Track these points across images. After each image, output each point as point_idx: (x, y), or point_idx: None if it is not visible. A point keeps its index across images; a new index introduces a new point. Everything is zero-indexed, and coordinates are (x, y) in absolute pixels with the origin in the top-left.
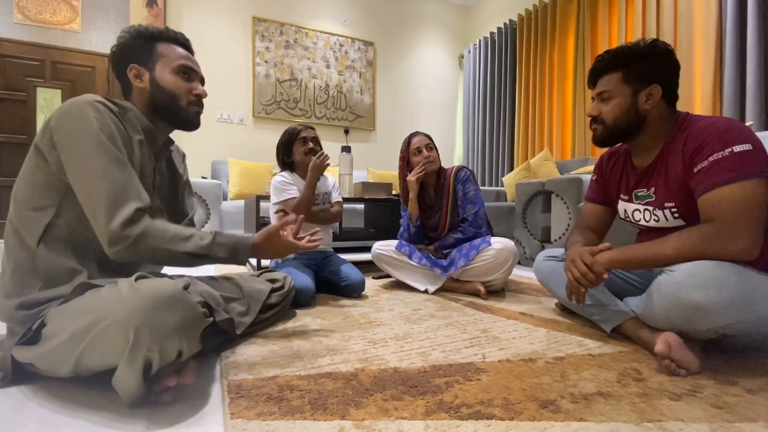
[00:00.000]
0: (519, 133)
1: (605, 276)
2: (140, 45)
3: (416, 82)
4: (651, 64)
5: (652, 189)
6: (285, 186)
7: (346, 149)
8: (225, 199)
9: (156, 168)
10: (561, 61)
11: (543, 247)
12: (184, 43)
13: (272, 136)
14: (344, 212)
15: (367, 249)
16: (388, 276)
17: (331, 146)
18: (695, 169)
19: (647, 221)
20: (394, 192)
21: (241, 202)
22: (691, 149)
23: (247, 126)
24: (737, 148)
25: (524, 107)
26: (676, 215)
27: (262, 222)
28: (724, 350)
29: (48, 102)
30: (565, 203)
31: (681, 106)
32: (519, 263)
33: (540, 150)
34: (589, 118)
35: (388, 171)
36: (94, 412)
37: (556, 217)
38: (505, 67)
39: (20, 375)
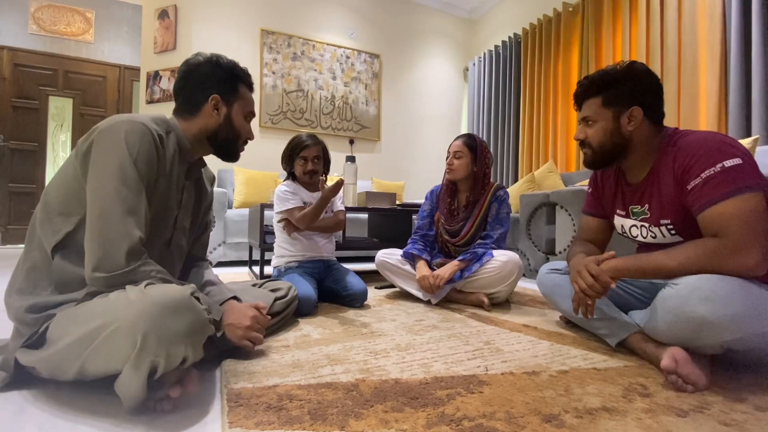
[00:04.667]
0: (523, 145)
1: (613, 285)
2: (228, 80)
3: (421, 93)
4: (628, 87)
5: (646, 206)
6: (288, 195)
7: (351, 159)
8: (230, 207)
9: (185, 186)
10: (565, 75)
11: (547, 259)
12: (252, 88)
13: (278, 145)
14: (348, 222)
15: (370, 258)
16: (391, 286)
17: (336, 156)
18: (689, 187)
19: (644, 237)
20: (397, 202)
21: (246, 211)
22: (681, 166)
23: (254, 135)
24: (728, 163)
25: (528, 119)
26: (673, 232)
27: (266, 230)
28: (732, 366)
29: (59, 110)
30: (569, 215)
31: (685, 120)
32: (523, 275)
33: (544, 162)
34: (577, 142)
35: (393, 181)
36: (93, 417)
37: (561, 229)
38: (509, 79)
39: (22, 378)
